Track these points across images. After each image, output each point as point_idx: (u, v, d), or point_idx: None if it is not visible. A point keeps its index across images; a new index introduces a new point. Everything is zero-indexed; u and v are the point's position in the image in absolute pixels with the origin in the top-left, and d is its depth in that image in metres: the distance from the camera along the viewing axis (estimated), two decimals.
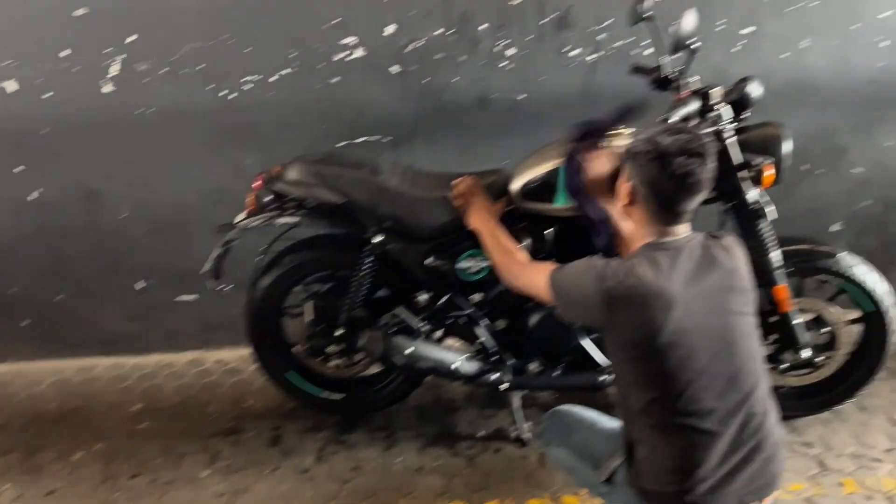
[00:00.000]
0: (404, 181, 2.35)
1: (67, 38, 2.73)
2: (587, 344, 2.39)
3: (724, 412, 1.61)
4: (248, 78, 2.85)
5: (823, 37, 2.91)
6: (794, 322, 2.38)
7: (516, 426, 2.60)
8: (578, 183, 2.06)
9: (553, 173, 2.23)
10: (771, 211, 2.26)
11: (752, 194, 2.22)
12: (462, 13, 2.81)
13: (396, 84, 2.90)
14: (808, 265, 2.39)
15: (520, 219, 2.35)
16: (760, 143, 2.18)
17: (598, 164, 2.03)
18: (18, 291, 3.19)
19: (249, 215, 2.37)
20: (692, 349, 1.59)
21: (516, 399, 2.59)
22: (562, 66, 2.91)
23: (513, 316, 2.44)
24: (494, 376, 2.43)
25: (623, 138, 2.09)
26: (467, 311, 2.42)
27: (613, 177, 1.93)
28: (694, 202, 1.63)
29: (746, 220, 2.27)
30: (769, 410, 1.67)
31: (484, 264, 2.35)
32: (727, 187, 2.21)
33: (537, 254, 2.35)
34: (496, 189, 2.35)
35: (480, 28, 2.83)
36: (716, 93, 2.12)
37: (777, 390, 2.55)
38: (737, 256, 1.72)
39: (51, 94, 2.82)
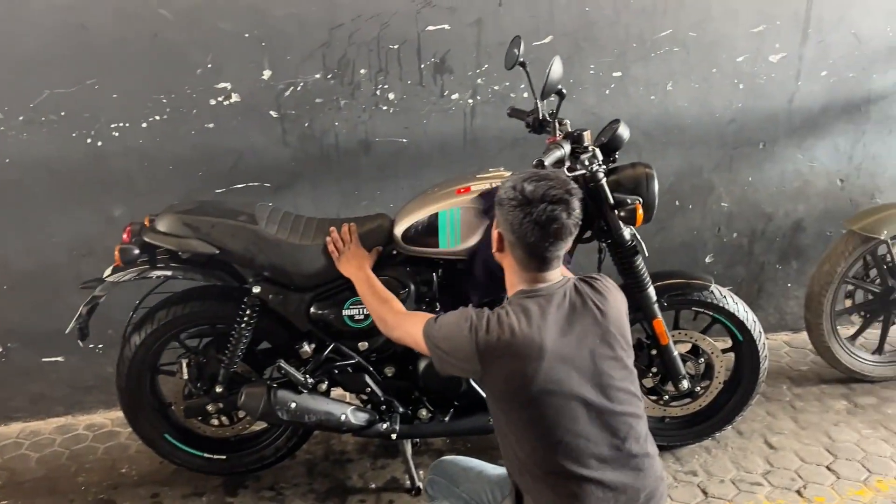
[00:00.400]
0: (283, 229, 2.28)
1: None
2: (476, 386, 2.37)
3: (604, 457, 1.61)
4: (117, 125, 2.71)
5: (687, 80, 3.09)
6: (672, 354, 2.46)
7: (409, 475, 2.54)
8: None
9: (436, 217, 2.23)
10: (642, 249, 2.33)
11: (627, 233, 2.28)
12: (340, 58, 2.79)
13: (276, 129, 2.84)
14: (683, 298, 2.49)
15: (404, 263, 2.33)
16: (631, 183, 2.26)
17: None
18: None
19: (115, 270, 2.23)
20: (567, 397, 1.58)
21: (408, 447, 2.53)
22: (443, 109, 2.94)
23: (401, 363, 2.40)
24: (384, 426, 2.37)
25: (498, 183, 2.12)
26: (354, 360, 2.36)
27: None
28: (561, 248, 1.64)
29: (623, 258, 2.34)
30: (648, 449, 1.69)
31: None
32: (602, 227, 2.28)
33: (423, 298, 2.34)
34: (380, 234, 2.33)
35: (361, 72, 2.83)
36: (586, 135, 2.18)
37: (661, 421, 2.65)
38: (611, 299, 1.71)
39: None
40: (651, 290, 2.37)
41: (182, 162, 2.80)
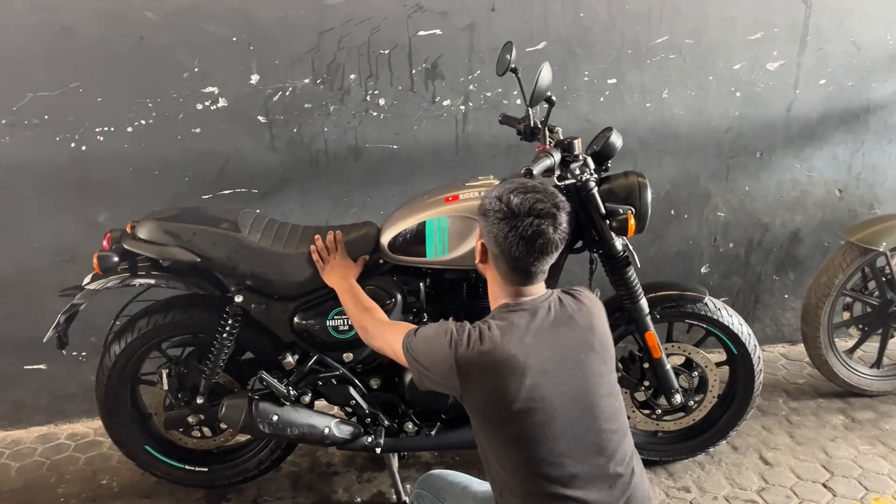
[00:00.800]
0: (266, 237, 2.23)
1: None
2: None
3: (588, 476, 1.55)
4: (101, 128, 2.66)
5: (683, 87, 3.04)
6: (665, 367, 2.40)
7: (396, 489, 2.48)
8: None
9: (423, 225, 2.18)
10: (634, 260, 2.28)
11: (619, 243, 2.23)
12: (330, 63, 2.74)
13: (264, 134, 2.79)
14: (676, 310, 2.43)
15: (391, 272, 2.28)
16: (623, 193, 2.21)
17: None
18: None
19: (95, 278, 2.17)
20: (550, 414, 1.53)
21: (394, 460, 2.47)
22: (434, 115, 2.89)
23: (386, 375, 2.35)
24: (369, 440, 2.31)
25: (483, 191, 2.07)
26: (338, 372, 2.30)
27: None
28: (545, 262, 1.59)
29: (615, 269, 2.28)
30: (635, 467, 1.64)
31: None
32: (593, 237, 2.22)
33: (410, 308, 2.28)
34: (366, 242, 2.27)
35: (350, 77, 2.78)
36: (577, 143, 2.13)
37: (653, 435, 2.59)
38: (594, 312, 1.67)
39: None
40: (643, 302, 2.32)
41: (168, 167, 2.75)
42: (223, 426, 2.42)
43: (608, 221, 2.15)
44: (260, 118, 2.76)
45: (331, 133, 2.84)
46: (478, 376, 1.54)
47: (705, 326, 2.47)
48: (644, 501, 1.64)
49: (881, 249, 2.81)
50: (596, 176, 2.17)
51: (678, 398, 2.45)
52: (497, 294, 1.66)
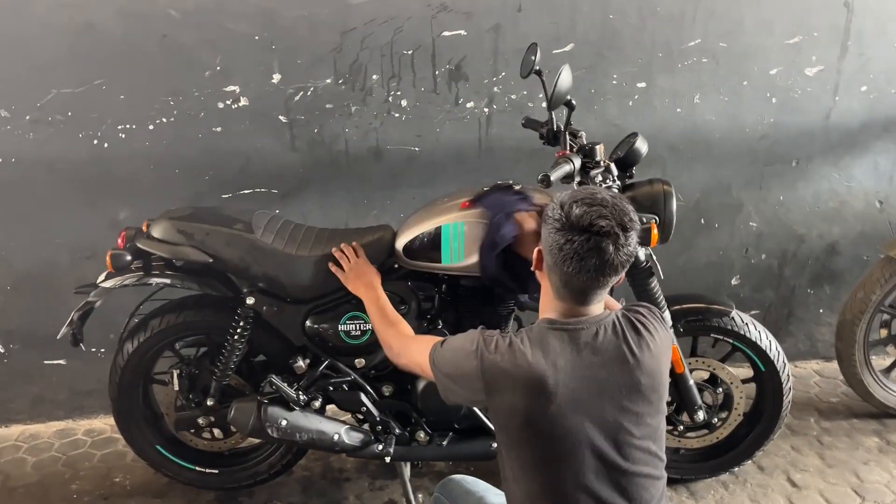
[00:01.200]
0: (280, 238, 2.20)
1: None
2: (477, 410, 2.25)
3: None
4: (123, 126, 2.66)
5: (716, 92, 2.94)
6: (688, 382, 2.31)
7: (407, 498, 2.43)
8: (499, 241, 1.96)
9: (439, 230, 2.12)
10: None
11: (642, 253, 2.15)
12: (352, 63, 2.71)
13: (284, 134, 2.77)
14: (701, 324, 2.34)
15: (406, 277, 2.23)
16: (647, 201, 2.12)
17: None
18: None
19: (109, 276, 2.16)
20: (574, 447, 1.41)
21: (406, 469, 2.42)
22: (457, 117, 2.84)
23: (399, 382, 2.30)
24: (379, 447, 2.26)
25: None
26: (349, 378, 2.26)
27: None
28: (601, 285, 1.43)
29: (638, 280, 2.21)
30: None
31: (367, 327, 2.20)
32: None
33: (424, 314, 2.23)
34: (381, 246, 2.23)
35: (373, 78, 2.74)
36: (599, 149, 2.05)
37: (676, 452, 2.50)
38: (652, 345, 1.48)
39: None
40: (667, 315, 2.24)
41: (189, 165, 2.74)
42: (234, 429, 2.39)
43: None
44: (281, 118, 2.74)
45: (352, 134, 2.81)
46: (502, 390, 1.43)
47: (731, 341, 2.37)
48: None
49: None
50: (619, 183, 2.10)
51: (701, 415, 2.36)
52: (546, 306, 1.53)
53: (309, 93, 2.72)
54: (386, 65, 2.74)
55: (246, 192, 2.81)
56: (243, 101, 2.70)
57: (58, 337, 2.26)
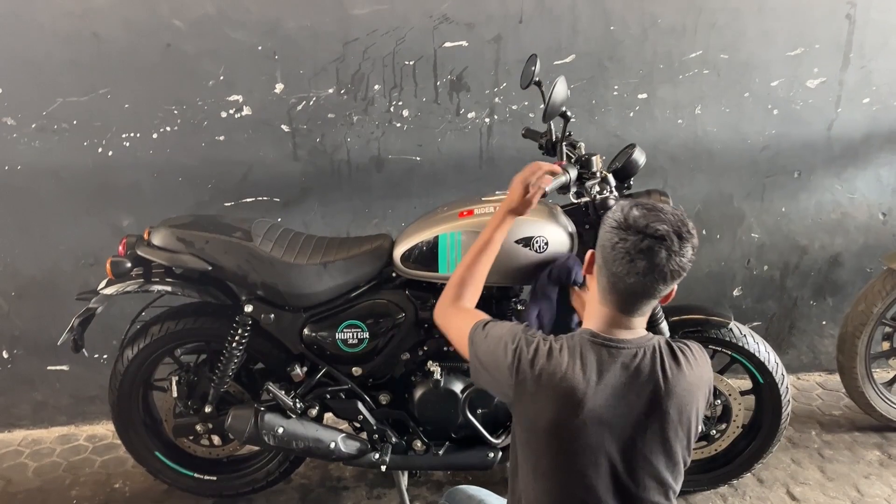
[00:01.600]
0: (279, 247, 2.21)
1: None
2: (474, 420, 2.26)
3: None
4: (128, 134, 2.69)
5: (717, 104, 2.94)
6: None
7: None
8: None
9: (436, 240, 2.14)
10: None
11: None
12: (354, 73, 2.73)
13: (287, 143, 2.79)
14: (700, 335, 2.33)
15: (403, 286, 2.24)
16: None
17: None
18: None
19: (110, 283, 2.18)
20: (592, 465, 1.40)
21: (403, 478, 2.42)
22: (458, 127, 2.85)
23: (396, 391, 2.30)
24: (376, 456, 2.27)
25: None
26: (347, 386, 2.27)
27: None
28: (646, 291, 1.40)
29: None
30: None
31: (364, 335, 2.21)
32: None
33: (423, 322, 2.24)
34: (380, 254, 2.24)
35: (375, 88, 2.76)
36: (596, 160, 2.06)
37: None
38: (691, 381, 1.44)
39: None
40: (664, 325, 2.22)
41: (191, 174, 2.77)
42: (231, 436, 2.40)
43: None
44: (283, 127, 2.76)
45: (354, 143, 2.82)
46: (532, 392, 1.42)
47: (730, 353, 2.37)
48: None
49: None
50: (616, 194, 2.10)
51: (700, 426, 2.34)
52: (591, 314, 1.50)
53: (311, 102, 2.74)
54: (388, 75, 2.75)
55: (248, 200, 2.83)
56: (246, 111, 2.72)
57: (59, 343, 2.28)
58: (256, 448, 2.52)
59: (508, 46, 2.76)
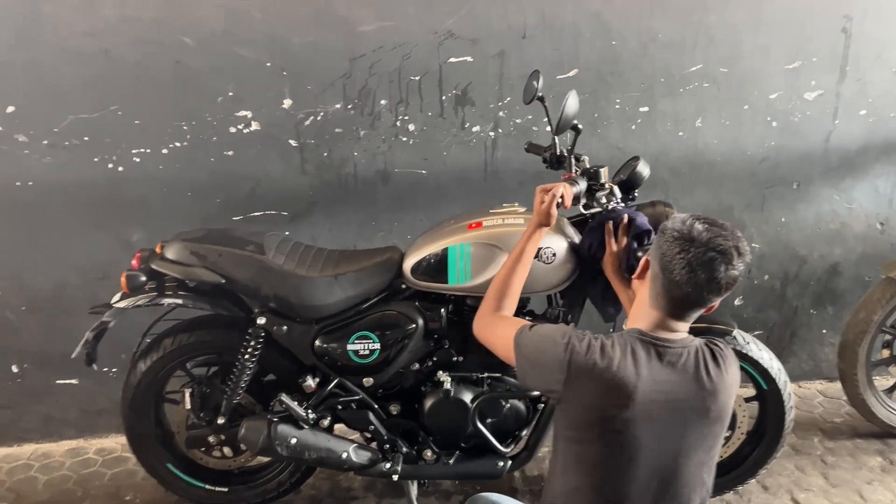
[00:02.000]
0: (290, 260, 2.25)
1: None
2: (484, 429, 2.29)
3: None
4: (138, 150, 2.73)
5: (717, 116, 3.00)
6: None
7: None
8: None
9: (445, 252, 2.18)
10: None
11: None
12: (361, 88, 2.78)
13: (294, 157, 2.83)
14: None
15: (413, 298, 2.28)
16: (651, 222, 2.17)
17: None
18: None
19: (123, 296, 2.21)
20: (634, 456, 1.48)
21: (413, 488, 2.45)
22: (463, 141, 2.90)
23: (406, 401, 2.34)
24: (387, 466, 2.30)
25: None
26: (358, 397, 2.30)
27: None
28: (702, 300, 1.48)
29: None
30: None
31: (375, 346, 2.24)
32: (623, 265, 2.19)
33: (432, 334, 2.27)
34: (389, 267, 2.28)
35: (381, 103, 2.80)
36: (604, 172, 2.11)
37: None
38: (727, 379, 1.54)
39: None
40: None
41: (200, 188, 2.81)
42: (243, 447, 2.42)
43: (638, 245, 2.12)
44: (291, 142, 2.80)
45: (360, 157, 2.87)
46: (584, 387, 1.49)
47: None
48: None
49: None
50: (622, 205, 2.15)
51: None
52: (638, 315, 1.58)
53: (319, 117, 2.79)
54: (394, 90, 2.80)
55: (256, 214, 2.87)
56: (254, 126, 2.76)
57: (73, 356, 2.29)
58: (267, 459, 2.54)
59: (512, 61, 2.82)
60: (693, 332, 2.32)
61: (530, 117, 2.90)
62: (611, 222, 2.09)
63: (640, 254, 2.12)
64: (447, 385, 2.25)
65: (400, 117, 2.84)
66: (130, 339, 2.58)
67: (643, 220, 2.09)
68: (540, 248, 2.09)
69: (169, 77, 2.67)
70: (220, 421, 2.33)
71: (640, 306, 1.58)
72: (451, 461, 2.33)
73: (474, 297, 2.21)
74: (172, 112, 2.71)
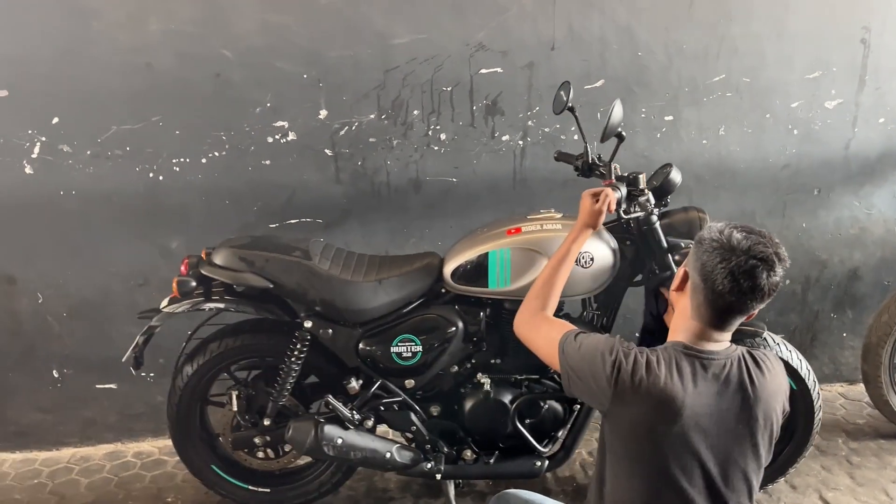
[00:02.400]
0: (335, 265, 2.32)
1: None
2: (523, 430, 2.35)
3: None
4: (178, 160, 2.80)
5: (739, 125, 3.08)
6: None
7: None
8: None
9: (486, 257, 2.25)
10: None
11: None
12: (394, 99, 2.85)
13: (329, 166, 2.90)
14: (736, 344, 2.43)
15: (452, 301, 2.34)
16: (683, 227, 2.25)
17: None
18: None
19: (172, 301, 2.28)
20: (685, 469, 1.50)
21: (451, 488, 2.51)
22: (493, 150, 2.97)
23: (446, 402, 2.40)
24: (429, 466, 2.36)
25: None
26: (400, 398, 2.36)
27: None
28: (743, 308, 1.49)
29: None
30: None
31: (417, 349, 2.31)
32: (654, 270, 2.26)
33: (472, 336, 2.34)
34: (430, 271, 2.34)
35: (414, 113, 2.88)
36: (642, 178, 2.18)
37: None
38: (772, 383, 1.56)
39: None
40: None
41: (238, 197, 2.88)
42: (286, 448, 2.49)
43: (671, 255, 2.19)
44: (327, 151, 2.88)
45: (393, 166, 2.94)
46: (631, 403, 1.51)
47: None
48: None
49: None
50: (657, 211, 2.22)
51: None
52: (679, 327, 1.59)
53: (353, 127, 2.86)
54: (426, 101, 2.88)
55: (292, 221, 2.94)
56: (291, 136, 2.84)
57: (123, 360, 2.37)
58: (308, 460, 2.60)
59: (541, 72, 2.89)
60: None
61: (558, 126, 2.97)
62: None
63: (676, 257, 2.19)
64: (487, 387, 2.31)
65: (432, 127, 2.92)
66: (168, 345, 2.66)
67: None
68: (578, 253, 2.16)
69: (209, 89, 2.74)
70: (266, 422, 2.39)
71: (681, 318, 1.59)
72: (490, 461, 2.39)
73: (512, 300, 2.27)
74: (212, 123, 2.79)
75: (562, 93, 2.28)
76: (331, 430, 2.28)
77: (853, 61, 3.05)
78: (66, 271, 2.88)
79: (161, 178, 2.82)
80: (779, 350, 2.45)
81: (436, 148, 2.94)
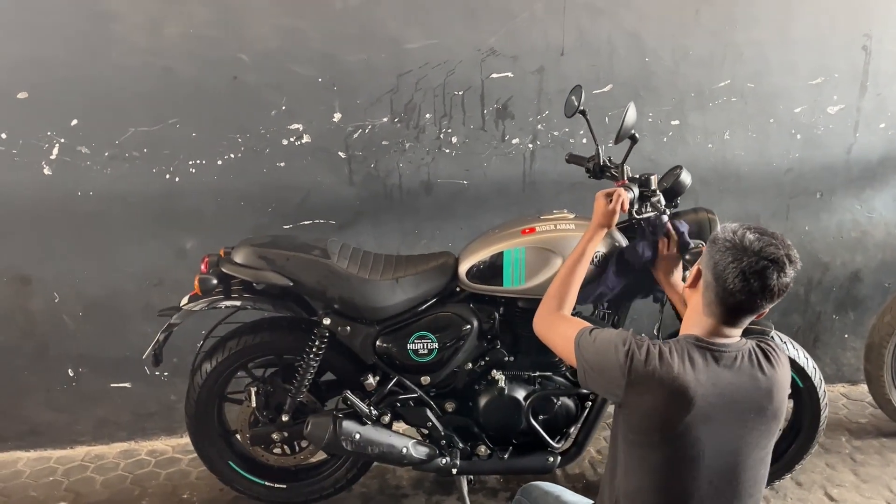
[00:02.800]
0: (353, 264, 2.36)
1: (8, 121, 2.69)
2: (537, 426, 2.40)
3: None
4: (194, 161, 2.85)
5: (744, 129, 3.14)
6: None
7: None
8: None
9: (500, 256, 2.29)
10: None
11: None
12: (407, 103, 2.91)
13: (343, 169, 2.95)
14: None
15: (467, 300, 2.39)
16: (694, 228, 2.30)
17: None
18: None
19: (192, 299, 2.33)
20: (696, 458, 1.54)
21: (464, 483, 2.55)
22: (503, 153, 3.03)
23: (461, 399, 2.44)
24: (444, 461, 2.40)
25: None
26: (416, 395, 2.41)
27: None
28: (754, 306, 1.53)
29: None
30: None
31: (434, 346, 2.36)
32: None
33: (486, 334, 2.38)
34: (445, 271, 2.39)
35: (426, 116, 2.93)
36: (654, 179, 2.23)
37: None
38: (780, 378, 1.60)
39: None
40: None
41: (252, 198, 2.92)
42: (303, 444, 2.53)
43: (682, 255, 2.24)
44: (340, 154, 2.93)
45: (405, 169, 2.99)
46: (645, 393, 1.55)
47: None
48: None
49: None
50: (668, 212, 2.27)
51: None
52: (692, 322, 1.64)
53: (367, 130, 2.92)
54: (438, 104, 2.93)
55: (306, 223, 2.98)
56: (306, 139, 2.89)
57: (143, 357, 2.41)
58: (324, 456, 2.64)
59: (550, 77, 2.95)
60: None
61: (567, 130, 3.03)
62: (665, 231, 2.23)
63: (687, 256, 2.25)
64: (501, 383, 2.36)
65: (443, 130, 2.97)
66: (182, 344, 2.70)
67: (687, 233, 2.22)
68: None
69: (225, 92, 2.79)
70: (284, 418, 2.43)
71: (694, 314, 1.64)
72: (504, 456, 2.43)
73: (526, 299, 2.32)
74: (228, 125, 2.83)
75: (573, 97, 2.34)
76: (349, 425, 2.32)
77: (855, 67, 3.13)
78: (82, 271, 2.92)
79: (177, 179, 2.86)
80: (787, 348, 2.50)
81: (447, 151, 3.00)
